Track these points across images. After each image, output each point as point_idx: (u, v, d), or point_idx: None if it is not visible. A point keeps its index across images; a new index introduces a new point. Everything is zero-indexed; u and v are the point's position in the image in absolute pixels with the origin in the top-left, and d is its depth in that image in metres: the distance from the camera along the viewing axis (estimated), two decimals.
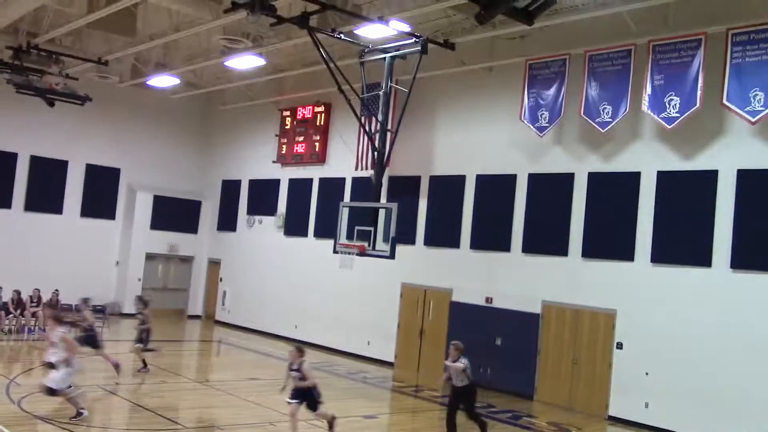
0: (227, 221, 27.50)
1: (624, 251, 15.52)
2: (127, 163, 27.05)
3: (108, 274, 26.24)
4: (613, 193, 15.94)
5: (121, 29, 19.70)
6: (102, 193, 26.60)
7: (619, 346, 15.42)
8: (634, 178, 15.56)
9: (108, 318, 24.84)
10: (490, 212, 18.35)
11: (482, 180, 18.64)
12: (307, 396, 11.49)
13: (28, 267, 23.63)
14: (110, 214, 26.88)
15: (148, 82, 23.61)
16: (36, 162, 25.12)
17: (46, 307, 14.71)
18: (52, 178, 25.51)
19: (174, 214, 27.69)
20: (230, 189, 27.53)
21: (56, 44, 20.60)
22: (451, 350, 12.31)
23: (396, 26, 15.82)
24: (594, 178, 16.31)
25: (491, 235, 18.17)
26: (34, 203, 25.12)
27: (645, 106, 14.92)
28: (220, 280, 27.31)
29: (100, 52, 21.25)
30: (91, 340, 15.63)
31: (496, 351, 17.52)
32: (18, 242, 24.41)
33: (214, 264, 27.84)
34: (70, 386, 11.67)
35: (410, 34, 16.43)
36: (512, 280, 17.58)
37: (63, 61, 21.60)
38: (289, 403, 11.49)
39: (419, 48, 16.66)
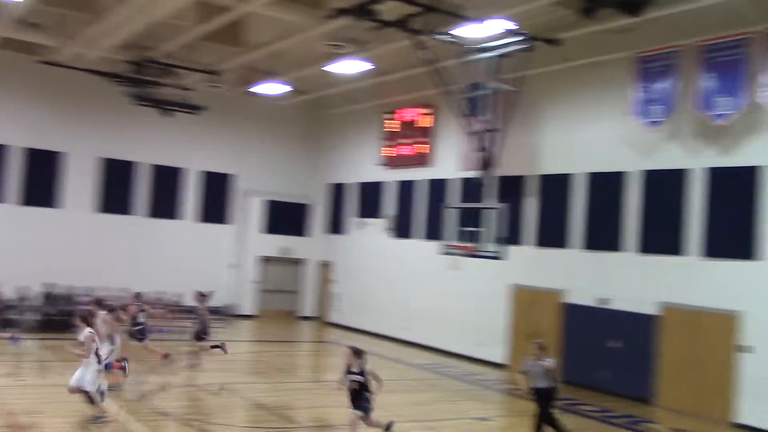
0: (336, 224, 27.96)
1: (747, 249, 14.72)
2: (239, 168, 27.93)
3: (224, 276, 27.15)
4: (733, 188, 15.15)
5: (230, 40, 20.41)
6: (217, 199, 27.59)
7: (745, 349, 14.66)
8: (755, 172, 14.75)
9: (225, 319, 25.79)
10: (600, 211, 17.83)
11: (592, 178, 18.14)
12: (360, 399, 10.49)
13: (151, 270, 24.78)
14: (226, 219, 27.84)
15: (256, 90, 24.28)
16: (156, 170, 26.34)
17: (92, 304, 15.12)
18: (170, 185, 26.68)
19: (285, 217, 28.40)
20: (338, 192, 27.97)
21: (171, 57, 21.48)
22: (533, 348, 11.92)
23: (499, 24, 15.62)
24: (711, 173, 15.57)
25: (603, 235, 17.66)
26: (155, 209, 26.35)
27: (763, 96, 14.13)
28: (332, 281, 27.77)
29: (212, 63, 22.05)
30: (138, 334, 16.17)
31: (610, 353, 17.04)
32: (141, 247, 25.66)
33: (325, 266, 28.35)
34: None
35: (513, 32, 16.20)
36: (626, 280, 17.01)
37: (178, 73, 22.58)
38: (355, 413, 10.49)
39: (523, 46, 16.43)
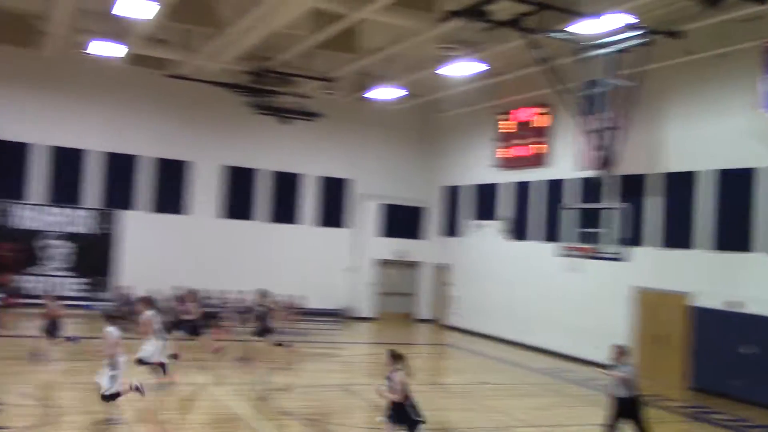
0: (451, 226, 27.90)
1: None
2: (355, 173, 28.40)
3: (342, 279, 27.62)
4: None
5: (344, 47, 20.74)
6: (334, 203, 28.17)
7: None
8: None
9: (341, 321, 26.23)
10: (730, 209, 16.96)
11: (719, 175, 17.29)
12: (401, 414, 9.26)
13: (271, 273, 25.43)
14: (343, 223, 28.34)
15: (370, 95, 24.55)
16: (275, 176, 27.15)
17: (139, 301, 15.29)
18: (289, 191, 27.45)
19: (401, 220, 28.69)
20: (453, 195, 27.92)
21: (288, 66, 22.06)
22: (613, 354, 11.05)
23: (617, 19, 15.16)
24: None
25: (733, 234, 16.79)
26: (275, 214, 27.19)
27: None
28: (448, 284, 27.71)
29: (327, 70, 22.49)
30: (193, 329, 16.66)
31: (743, 360, 16.16)
32: (263, 251, 26.53)
33: (441, 269, 28.33)
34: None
35: (632, 26, 15.68)
36: (760, 282, 16.08)
37: (294, 81, 23.18)
38: (383, 421, 9.53)
39: (643, 40, 15.88)
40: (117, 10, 16.47)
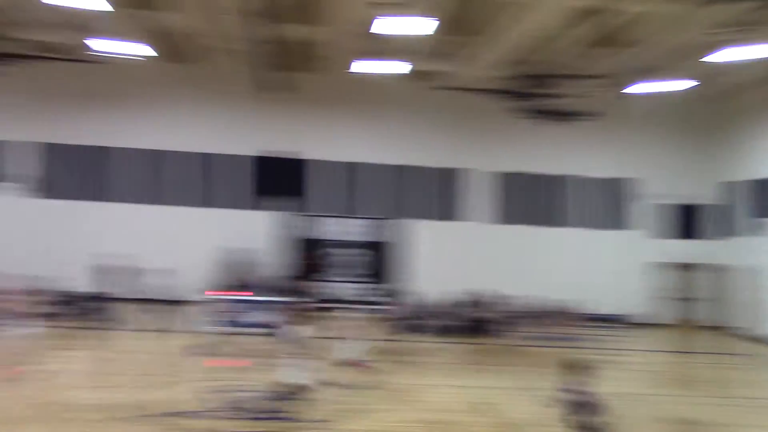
0: (739, 225, 25.87)
1: None
2: (631, 171, 27.51)
3: (619, 284, 26.66)
4: None
5: (613, 42, 20.26)
6: (610, 204, 27.55)
7: None
8: None
9: (622, 327, 25.26)
10: None
11: None
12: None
13: (550, 278, 25.26)
14: (620, 225, 27.61)
15: (641, 89, 23.49)
16: (547, 180, 27.38)
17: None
18: (565, 194, 27.50)
19: (682, 220, 27.36)
20: (739, 190, 25.91)
21: (556, 67, 21.94)
22: None
23: None
24: None
25: None
26: (550, 218, 27.37)
27: None
28: (741, 288, 25.57)
29: (595, 67, 22.04)
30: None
31: None
32: (538, 255, 26.72)
33: (730, 271, 26.26)
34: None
35: None
36: None
37: (564, 82, 23.03)
38: None
39: None
40: (394, 29, 17.02)
